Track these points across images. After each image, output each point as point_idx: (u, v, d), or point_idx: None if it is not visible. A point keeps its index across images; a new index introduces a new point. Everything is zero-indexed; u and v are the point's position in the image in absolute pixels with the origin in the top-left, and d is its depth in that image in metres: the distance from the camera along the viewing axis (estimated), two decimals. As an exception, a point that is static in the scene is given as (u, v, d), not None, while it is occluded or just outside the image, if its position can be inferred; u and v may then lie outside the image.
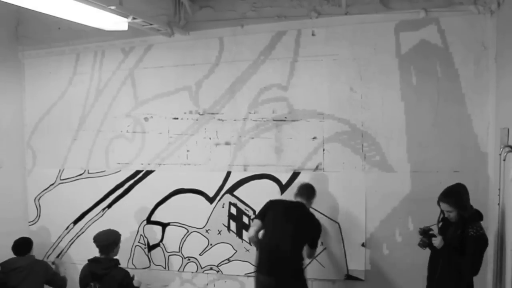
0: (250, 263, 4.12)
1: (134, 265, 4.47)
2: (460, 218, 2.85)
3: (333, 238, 3.90)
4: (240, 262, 4.16)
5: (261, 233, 3.49)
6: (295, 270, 3.38)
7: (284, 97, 3.99)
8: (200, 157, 4.24)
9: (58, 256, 4.73)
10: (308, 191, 3.59)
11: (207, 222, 4.24)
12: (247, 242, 4.13)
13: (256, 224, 3.51)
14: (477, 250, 2.77)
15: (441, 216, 3.03)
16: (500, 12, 3.33)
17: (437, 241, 2.89)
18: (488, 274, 3.42)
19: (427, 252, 3.56)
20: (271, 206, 3.55)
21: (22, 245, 4.05)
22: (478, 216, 2.90)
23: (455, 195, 2.88)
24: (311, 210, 3.62)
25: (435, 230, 3.02)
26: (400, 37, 3.69)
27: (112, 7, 3.13)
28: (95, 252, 4.65)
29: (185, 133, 4.28)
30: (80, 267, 4.62)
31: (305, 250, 3.49)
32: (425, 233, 2.98)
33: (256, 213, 3.57)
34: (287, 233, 3.35)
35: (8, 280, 3.91)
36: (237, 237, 4.16)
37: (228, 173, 4.17)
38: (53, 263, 4.60)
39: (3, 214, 4.52)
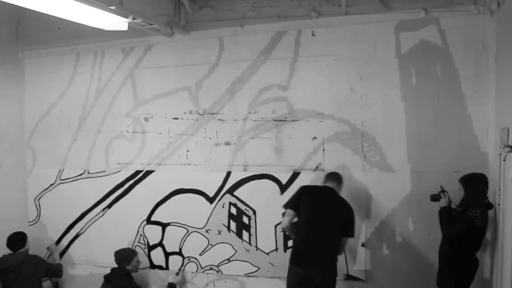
0: (250, 263, 4.13)
1: (134, 265, 4.47)
2: (465, 199, 3.17)
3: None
4: (240, 262, 4.16)
5: (295, 220, 3.50)
6: (330, 262, 3.41)
7: (284, 97, 3.99)
8: (200, 157, 4.24)
9: (56, 243, 4.70)
10: (338, 177, 3.62)
11: (207, 222, 4.24)
12: (247, 242, 4.14)
13: (290, 214, 3.49)
14: (464, 222, 3.07)
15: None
16: (500, 12, 3.33)
17: (443, 200, 3.28)
18: (488, 274, 3.42)
19: (426, 252, 3.57)
20: (304, 192, 3.52)
21: (15, 240, 4.08)
22: (486, 205, 3.12)
23: (471, 181, 3.19)
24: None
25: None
26: (400, 37, 3.69)
27: (112, 7, 3.13)
28: (94, 252, 4.70)
29: (185, 133, 4.28)
30: (79, 267, 4.68)
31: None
32: (442, 191, 3.32)
33: (287, 201, 3.57)
34: (324, 224, 3.38)
35: (5, 279, 3.93)
36: (237, 237, 4.16)
37: (228, 173, 4.16)
38: (47, 248, 4.59)
39: (3, 214, 4.52)
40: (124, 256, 4.06)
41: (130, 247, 4.44)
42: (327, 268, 3.40)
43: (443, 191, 3.33)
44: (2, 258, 4.02)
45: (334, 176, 3.62)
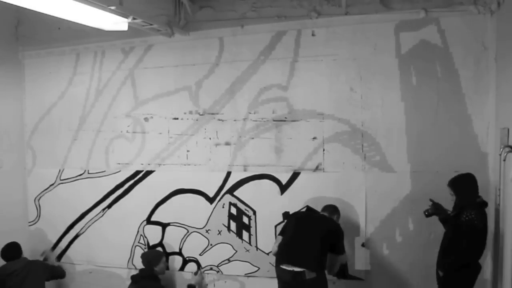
0: (250, 263, 4.13)
1: (134, 265, 4.47)
2: (459, 203, 3.07)
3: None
4: (240, 262, 4.16)
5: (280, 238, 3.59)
6: (312, 262, 3.28)
7: (284, 97, 3.99)
8: (200, 157, 4.24)
9: (52, 248, 4.70)
10: (330, 208, 3.66)
11: (207, 222, 4.24)
12: (247, 242, 4.14)
13: (279, 240, 3.58)
14: (464, 233, 2.95)
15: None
16: (500, 12, 3.33)
17: (439, 213, 3.26)
18: (488, 274, 3.43)
19: (427, 252, 3.57)
20: (289, 218, 3.78)
21: (12, 249, 4.03)
22: (480, 204, 3.03)
23: (459, 183, 3.11)
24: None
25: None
26: (400, 37, 3.69)
27: (112, 7, 3.13)
28: (94, 252, 4.68)
29: (185, 133, 4.28)
30: (79, 268, 4.68)
31: (328, 258, 3.45)
32: (432, 204, 3.29)
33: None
34: (301, 234, 3.40)
35: (5, 286, 3.90)
36: (237, 237, 4.16)
37: (228, 173, 4.16)
38: (42, 253, 4.58)
39: (3, 214, 4.52)
40: (150, 258, 4.04)
41: (130, 247, 4.44)
42: (314, 266, 3.27)
43: (434, 203, 3.28)
44: (6, 265, 3.98)
45: (327, 207, 3.67)
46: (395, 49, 3.70)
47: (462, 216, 2.96)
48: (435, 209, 3.26)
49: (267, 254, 4.05)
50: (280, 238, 3.59)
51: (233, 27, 4.06)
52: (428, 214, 3.27)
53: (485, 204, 3.06)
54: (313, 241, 3.34)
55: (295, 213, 3.83)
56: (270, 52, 4.00)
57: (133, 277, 4.00)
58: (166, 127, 4.33)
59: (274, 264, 3.46)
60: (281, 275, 3.37)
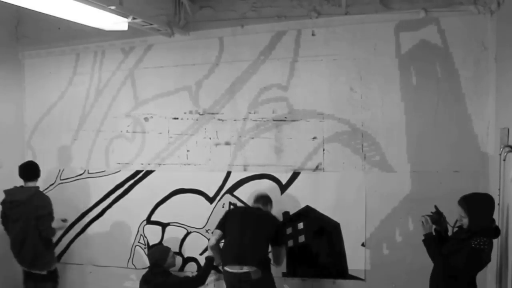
0: (250, 263, 4.12)
1: (134, 265, 4.47)
2: (470, 228, 2.66)
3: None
4: (240, 262, 4.16)
5: (222, 241, 3.63)
6: (259, 261, 3.40)
7: (284, 97, 3.99)
8: (200, 157, 4.24)
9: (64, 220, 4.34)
10: (263, 198, 3.75)
11: (207, 222, 4.24)
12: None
13: (216, 233, 3.65)
14: (464, 256, 2.62)
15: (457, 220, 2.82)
16: (500, 12, 3.33)
17: (427, 226, 2.88)
18: (489, 275, 3.42)
19: (426, 252, 3.56)
20: (229, 216, 3.71)
21: (25, 170, 4.00)
22: (493, 232, 2.70)
23: (474, 203, 2.69)
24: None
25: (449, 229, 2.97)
26: (400, 37, 3.69)
27: (112, 7, 3.13)
28: (94, 252, 4.67)
29: (185, 133, 4.28)
30: (79, 268, 4.68)
31: (271, 253, 3.63)
32: (434, 214, 2.90)
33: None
34: (247, 233, 3.45)
35: (10, 213, 3.89)
36: (237, 237, 4.16)
37: (228, 173, 4.16)
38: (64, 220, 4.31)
39: (3, 214, 4.51)
40: (156, 257, 3.90)
41: (130, 247, 4.43)
42: (261, 266, 3.39)
43: (438, 212, 2.90)
44: (11, 190, 3.89)
45: (260, 198, 3.75)
46: (395, 49, 3.70)
47: (472, 241, 2.59)
48: (436, 220, 2.89)
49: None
50: (218, 231, 3.63)
51: (233, 27, 4.06)
52: (425, 220, 2.92)
53: (498, 231, 2.73)
54: (259, 241, 3.45)
55: (235, 210, 3.95)
56: (270, 52, 4.00)
57: (144, 277, 3.89)
58: (166, 127, 4.33)
59: (222, 266, 3.53)
60: (227, 278, 3.46)
